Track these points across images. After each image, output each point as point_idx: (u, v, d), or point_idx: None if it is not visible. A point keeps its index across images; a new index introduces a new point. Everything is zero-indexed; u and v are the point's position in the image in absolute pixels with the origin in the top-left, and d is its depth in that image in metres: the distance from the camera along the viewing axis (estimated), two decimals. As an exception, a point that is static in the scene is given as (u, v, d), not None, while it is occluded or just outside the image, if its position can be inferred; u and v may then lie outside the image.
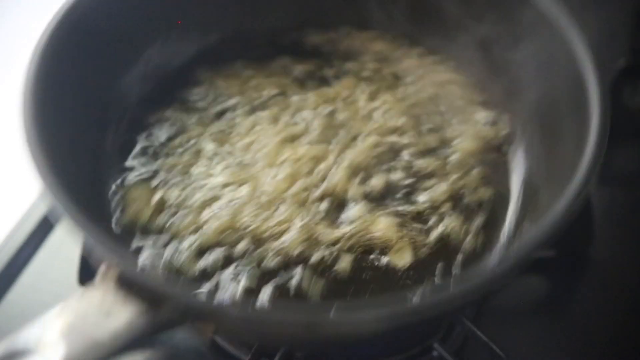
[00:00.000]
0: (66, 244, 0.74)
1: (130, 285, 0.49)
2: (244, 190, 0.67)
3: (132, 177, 0.69)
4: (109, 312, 0.47)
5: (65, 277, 0.71)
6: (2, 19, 1.00)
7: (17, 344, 0.46)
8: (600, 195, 0.75)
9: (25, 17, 1.00)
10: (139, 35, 0.75)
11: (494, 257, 0.63)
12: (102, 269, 0.50)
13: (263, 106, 0.75)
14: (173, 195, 0.67)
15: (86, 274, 0.70)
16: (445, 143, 0.72)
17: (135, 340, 0.48)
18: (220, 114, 0.75)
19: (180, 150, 0.71)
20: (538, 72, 0.68)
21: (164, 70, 0.78)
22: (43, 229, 0.76)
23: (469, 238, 0.64)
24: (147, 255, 0.63)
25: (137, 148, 0.71)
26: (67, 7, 0.66)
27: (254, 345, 0.62)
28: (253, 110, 0.75)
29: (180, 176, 0.69)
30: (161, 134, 0.73)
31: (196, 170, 0.69)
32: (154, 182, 0.68)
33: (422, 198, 0.67)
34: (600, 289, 0.70)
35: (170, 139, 0.72)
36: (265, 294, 0.60)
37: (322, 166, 0.69)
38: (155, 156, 0.71)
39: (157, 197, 0.67)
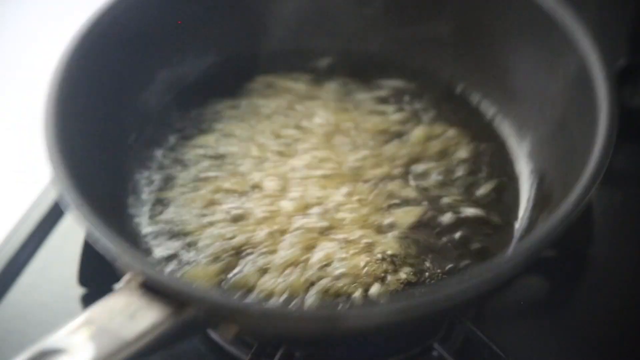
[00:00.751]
0: (66, 244, 0.74)
1: (154, 289, 0.51)
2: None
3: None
4: (134, 314, 0.50)
5: (65, 277, 0.71)
6: (2, 20, 1.00)
7: (48, 345, 0.48)
8: (600, 195, 0.75)
9: (28, 20, 1.00)
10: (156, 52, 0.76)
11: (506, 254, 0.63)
12: (126, 275, 0.52)
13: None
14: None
15: (86, 274, 0.70)
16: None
17: (160, 341, 0.50)
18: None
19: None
20: (542, 73, 0.69)
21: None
22: (43, 229, 0.76)
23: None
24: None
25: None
26: (88, 24, 0.68)
27: (254, 345, 0.62)
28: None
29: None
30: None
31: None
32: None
33: None
34: (600, 289, 0.70)
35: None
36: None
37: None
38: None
39: None
